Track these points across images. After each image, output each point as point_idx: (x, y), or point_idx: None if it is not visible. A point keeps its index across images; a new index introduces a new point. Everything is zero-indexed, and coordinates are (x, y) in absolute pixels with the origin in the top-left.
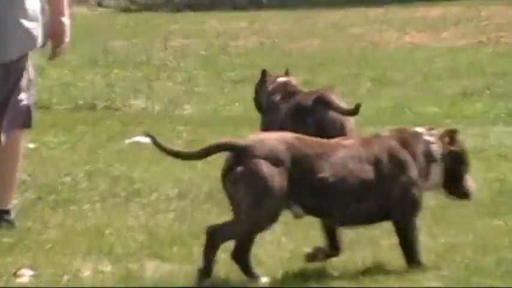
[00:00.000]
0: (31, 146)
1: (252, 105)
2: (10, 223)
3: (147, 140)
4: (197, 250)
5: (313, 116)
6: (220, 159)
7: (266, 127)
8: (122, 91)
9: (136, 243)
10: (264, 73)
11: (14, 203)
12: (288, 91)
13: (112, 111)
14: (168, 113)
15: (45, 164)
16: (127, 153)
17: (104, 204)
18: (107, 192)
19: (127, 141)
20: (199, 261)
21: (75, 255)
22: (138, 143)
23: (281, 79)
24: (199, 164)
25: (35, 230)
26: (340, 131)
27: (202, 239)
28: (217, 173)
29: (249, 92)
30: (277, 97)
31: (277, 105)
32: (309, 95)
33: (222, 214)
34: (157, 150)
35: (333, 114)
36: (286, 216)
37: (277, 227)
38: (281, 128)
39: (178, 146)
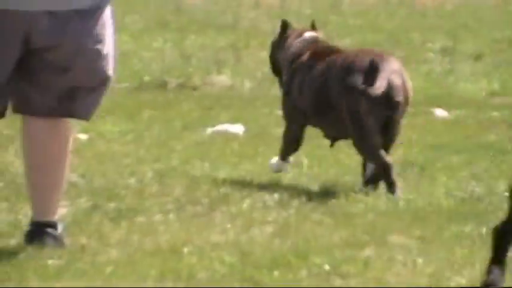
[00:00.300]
0: (83, 137)
1: None
2: (57, 240)
3: (237, 128)
4: (305, 274)
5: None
6: (330, 153)
7: (292, 93)
8: (200, 64)
9: (224, 266)
10: (284, 25)
11: (62, 213)
12: (320, 49)
13: (188, 90)
14: (262, 92)
15: (103, 162)
16: (209, 146)
17: (180, 215)
18: (184, 199)
19: (209, 130)
20: None
21: (144, 281)
22: (224, 132)
23: (309, 34)
24: (305, 160)
25: (90, 248)
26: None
27: (312, 259)
28: (329, 173)
29: None
30: (308, 57)
31: (310, 67)
32: (360, 55)
33: (337, 226)
34: (250, 140)
35: (396, 80)
36: (425, 229)
37: (412, 243)
38: (319, 94)
39: (275, 137)
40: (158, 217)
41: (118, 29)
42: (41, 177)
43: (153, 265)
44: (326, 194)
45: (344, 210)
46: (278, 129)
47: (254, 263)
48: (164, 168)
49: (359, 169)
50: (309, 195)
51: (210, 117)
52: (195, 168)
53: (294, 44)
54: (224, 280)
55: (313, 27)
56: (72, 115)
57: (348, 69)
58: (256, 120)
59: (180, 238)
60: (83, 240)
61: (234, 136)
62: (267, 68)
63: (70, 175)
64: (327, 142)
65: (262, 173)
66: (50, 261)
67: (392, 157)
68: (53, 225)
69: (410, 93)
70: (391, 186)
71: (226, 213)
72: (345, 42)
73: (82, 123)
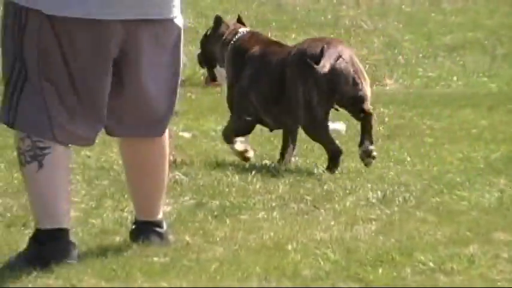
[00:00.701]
0: (186, 135)
1: (478, 79)
2: (163, 237)
3: (339, 126)
4: (410, 271)
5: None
6: (433, 151)
7: (242, 84)
8: None
9: (328, 263)
10: (218, 21)
11: (166, 210)
12: (262, 43)
13: None
14: None
15: (206, 159)
16: (312, 144)
17: (284, 212)
18: (287, 196)
19: None
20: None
21: (249, 278)
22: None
23: (245, 29)
24: (407, 157)
25: (195, 245)
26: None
27: (416, 256)
28: (432, 170)
29: (471, 62)
30: (259, 49)
31: (263, 59)
32: (314, 44)
33: (440, 223)
34: (352, 137)
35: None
36: None
37: None
38: (274, 84)
39: (378, 135)
40: (262, 214)
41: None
42: (141, 182)
43: (258, 262)
44: (429, 191)
45: (447, 208)
46: (381, 127)
47: (358, 260)
48: (268, 166)
49: (462, 166)
50: (412, 193)
51: None
52: (298, 166)
53: (235, 38)
54: (329, 277)
55: (240, 22)
56: (148, 135)
57: (302, 57)
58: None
59: (285, 235)
60: (188, 237)
61: (336, 133)
62: (368, 65)
63: (174, 173)
64: (430, 139)
65: (366, 170)
66: (155, 259)
67: (495, 154)
68: (158, 224)
69: (359, 75)
70: (331, 169)
71: (330, 211)
72: (445, 40)
73: (184, 121)
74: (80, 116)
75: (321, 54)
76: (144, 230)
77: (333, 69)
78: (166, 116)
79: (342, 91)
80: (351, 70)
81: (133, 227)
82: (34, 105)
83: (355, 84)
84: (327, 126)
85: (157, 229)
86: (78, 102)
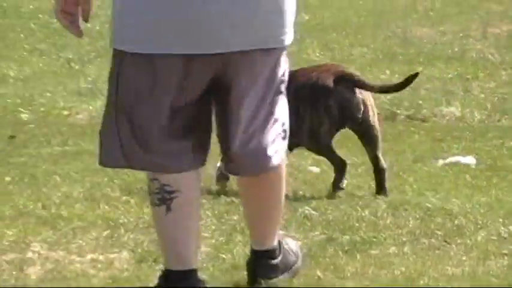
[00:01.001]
0: (314, 170)
1: None
2: (275, 269)
3: (469, 160)
4: None
5: (336, 96)
6: None
7: None
8: (429, 95)
9: None
10: None
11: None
12: None
13: (418, 122)
14: (493, 124)
15: (335, 194)
16: (442, 177)
17: (415, 247)
18: (418, 231)
19: (441, 162)
20: None
21: None
22: (456, 164)
23: None
24: None
25: (326, 280)
26: (364, 113)
27: None
28: None
29: None
30: None
31: None
32: (320, 72)
33: None
34: (482, 172)
35: (357, 93)
36: None
37: None
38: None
39: (509, 169)
40: (393, 249)
41: (346, 59)
42: (255, 214)
43: None
44: None
45: None
46: (511, 162)
47: None
48: (397, 200)
49: None
50: None
51: (441, 149)
52: (427, 201)
53: None
54: None
55: None
56: (264, 170)
57: (316, 87)
58: (488, 151)
59: (416, 270)
60: (319, 272)
61: (466, 168)
62: (496, 99)
63: (304, 208)
64: None
65: (498, 205)
66: None
67: None
68: (272, 253)
69: (368, 102)
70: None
71: (461, 245)
72: None
73: (312, 155)
74: (153, 146)
75: (336, 85)
76: (259, 263)
77: (347, 98)
78: (273, 150)
79: (353, 117)
80: (361, 96)
81: (250, 258)
82: (110, 137)
83: (364, 110)
84: (330, 147)
85: (273, 261)
86: (150, 133)
